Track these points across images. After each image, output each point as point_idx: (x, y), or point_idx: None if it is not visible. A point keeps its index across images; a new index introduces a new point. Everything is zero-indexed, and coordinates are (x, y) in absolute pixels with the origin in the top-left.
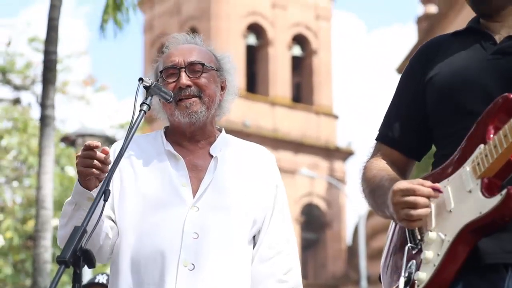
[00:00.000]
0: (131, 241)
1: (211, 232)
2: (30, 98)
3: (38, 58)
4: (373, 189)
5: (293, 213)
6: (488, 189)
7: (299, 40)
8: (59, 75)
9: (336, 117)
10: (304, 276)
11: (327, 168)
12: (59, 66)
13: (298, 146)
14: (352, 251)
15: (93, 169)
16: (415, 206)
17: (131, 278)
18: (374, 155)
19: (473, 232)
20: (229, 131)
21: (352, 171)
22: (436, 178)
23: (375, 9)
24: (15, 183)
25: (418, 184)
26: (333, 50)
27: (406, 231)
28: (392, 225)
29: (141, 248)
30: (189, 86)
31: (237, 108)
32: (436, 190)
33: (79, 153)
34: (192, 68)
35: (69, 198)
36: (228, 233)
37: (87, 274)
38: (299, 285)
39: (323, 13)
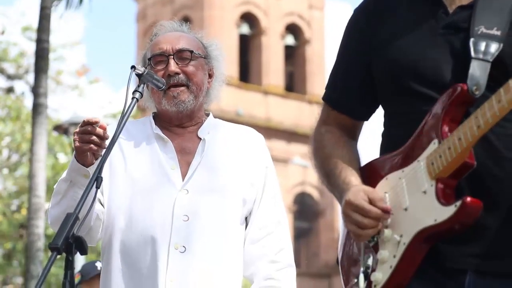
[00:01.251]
0: (122, 226)
1: (201, 214)
2: (24, 87)
3: (31, 48)
4: (327, 174)
5: (286, 202)
6: (443, 195)
7: (292, 29)
8: (53, 64)
9: None
10: (297, 264)
11: None
12: (53, 56)
13: (291, 135)
14: None
15: (91, 144)
16: (363, 226)
17: (123, 262)
18: (323, 120)
19: (428, 237)
20: (222, 120)
21: None
22: (392, 165)
23: None
24: (5, 170)
25: (372, 198)
26: (327, 40)
27: None
28: None
29: (132, 232)
30: (177, 73)
31: (230, 97)
32: (387, 212)
33: (77, 129)
34: (180, 55)
35: (62, 176)
36: (219, 215)
37: (79, 261)
38: (291, 265)
39: (316, 2)
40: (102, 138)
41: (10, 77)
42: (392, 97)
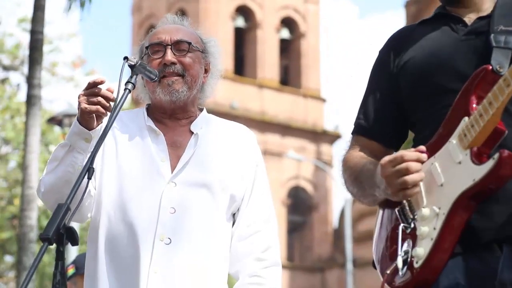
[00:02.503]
0: (109, 215)
1: (188, 208)
2: (19, 79)
3: (27, 39)
4: (358, 175)
5: (280, 195)
6: (478, 157)
7: (288, 23)
8: (49, 56)
9: (323, 100)
10: (290, 258)
11: (314, 151)
12: (49, 47)
13: (285, 129)
14: (338, 234)
15: (97, 105)
16: (408, 172)
17: (108, 251)
18: (352, 147)
19: (468, 201)
20: (217, 113)
21: (339, 155)
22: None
23: None
24: None
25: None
26: (322, 34)
27: (397, 212)
28: (379, 211)
29: (119, 221)
30: (173, 63)
31: (225, 90)
32: (422, 151)
33: (82, 92)
34: (178, 46)
35: (62, 142)
36: (206, 209)
37: (72, 252)
38: (278, 263)
39: None
40: (109, 99)
41: (5, 68)
42: (419, 102)
